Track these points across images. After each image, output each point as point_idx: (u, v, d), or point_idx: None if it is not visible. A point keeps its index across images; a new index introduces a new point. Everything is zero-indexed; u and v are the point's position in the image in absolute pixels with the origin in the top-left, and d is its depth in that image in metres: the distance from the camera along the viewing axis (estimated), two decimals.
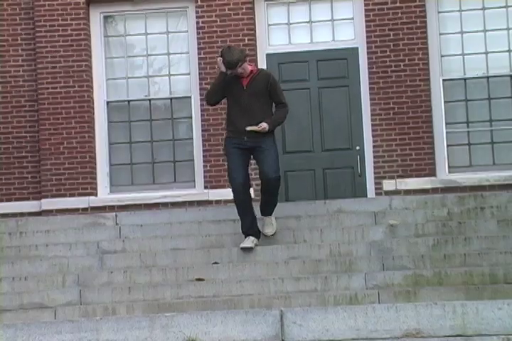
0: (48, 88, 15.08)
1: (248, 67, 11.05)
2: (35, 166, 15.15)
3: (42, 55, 15.14)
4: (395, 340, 5.37)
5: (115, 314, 8.31)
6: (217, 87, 11.14)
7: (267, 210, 10.87)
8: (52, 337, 5.64)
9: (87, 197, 14.86)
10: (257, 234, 10.44)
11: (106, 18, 15.49)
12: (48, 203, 14.79)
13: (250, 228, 10.40)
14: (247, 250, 9.90)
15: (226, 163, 11.20)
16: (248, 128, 10.72)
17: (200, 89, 15.07)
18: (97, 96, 15.23)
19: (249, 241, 10.13)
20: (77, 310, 8.51)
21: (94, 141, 15.14)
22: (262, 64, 15.13)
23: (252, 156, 11.09)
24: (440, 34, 14.99)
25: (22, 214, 13.72)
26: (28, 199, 15.02)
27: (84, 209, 14.40)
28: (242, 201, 10.62)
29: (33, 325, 6.01)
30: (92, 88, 15.18)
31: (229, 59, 10.78)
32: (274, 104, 11.25)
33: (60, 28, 15.22)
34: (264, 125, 10.81)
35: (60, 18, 15.21)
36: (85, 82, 15.06)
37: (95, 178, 15.14)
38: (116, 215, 11.16)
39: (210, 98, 11.34)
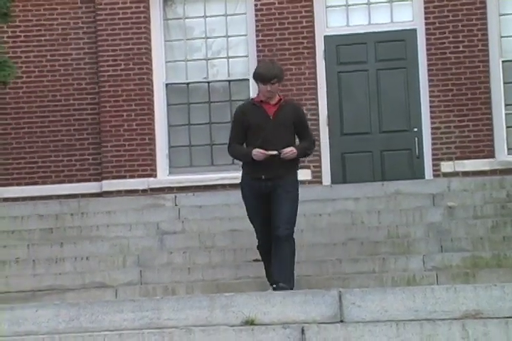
0: (108, 71, 15.16)
1: (277, 92, 9.28)
2: (96, 148, 15.26)
3: (102, 38, 15.22)
4: (454, 321, 5.35)
5: (175, 294, 8.37)
6: (236, 135, 9.31)
7: (279, 273, 8.49)
8: (114, 315, 5.69)
9: (146, 179, 14.95)
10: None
11: (165, 1, 15.53)
12: (108, 184, 14.91)
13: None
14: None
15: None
16: (270, 153, 8.89)
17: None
18: (157, 79, 15.29)
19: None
20: (137, 290, 8.58)
21: (153, 123, 15.22)
22: (320, 45, 15.12)
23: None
24: (500, 15, 14.88)
25: (83, 196, 13.84)
26: (89, 180, 15.14)
27: (144, 191, 14.49)
28: (266, 252, 8.92)
29: (96, 304, 6.07)
30: (151, 71, 15.24)
31: (264, 70, 9.16)
32: (299, 139, 9.38)
33: (121, 12, 15.28)
34: (292, 149, 9.03)
35: (120, 1, 15.27)
36: (145, 64, 15.13)
37: (155, 160, 15.22)
38: (175, 196, 11.22)
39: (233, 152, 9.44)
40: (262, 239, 8.96)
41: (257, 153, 8.89)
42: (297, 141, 9.43)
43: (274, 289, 8.06)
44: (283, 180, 8.96)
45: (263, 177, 8.96)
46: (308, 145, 9.35)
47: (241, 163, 9.52)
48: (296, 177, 9.21)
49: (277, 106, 9.18)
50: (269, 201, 9.00)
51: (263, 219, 8.94)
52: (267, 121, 9.09)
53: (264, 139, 9.02)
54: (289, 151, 8.97)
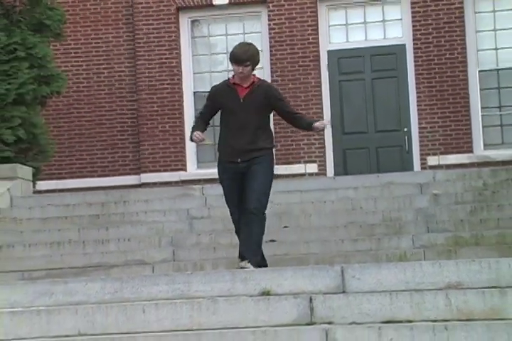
0: (145, 81, 15.21)
1: (250, 76, 7.74)
2: (135, 146, 15.30)
3: (140, 54, 15.27)
4: (439, 291, 5.34)
5: (202, 269, 8.36)
6: (203, 112, 8.03)
7: (247, 249, 7.55)
8: (151, 288, 5.70)
9: (178, 172, 14.98)
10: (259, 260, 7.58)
11: (193, 22, 15.56)
12: (146, 177, 14.96)
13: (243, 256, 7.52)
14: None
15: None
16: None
17: (272, 81, 15.04)
18: (186, 88, 15.31)
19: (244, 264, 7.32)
20: (171, 266, 8.57)
21: (183, 125, 15.22)
22: (324, 59, 15.12)
23: None
24: (476, 31, 14.87)
25: (125, 187, 13.84)
26: (129, 174, 15.18)
27: (176, 183, 14.51)
28: (240, 230, 7.83)
29: (136, 278, 6.08)
30: (181, 81, 15.27)
31: (239, 51, 7.63)
32: (286, 117, 8.00)
33: (155, 31, 15.31)
34: (322, 122, 7.88)
35: (154, 23, 15.30)
36: (176, 75, 15.14)
37: (185, 156, 15.24)
38: (202, 187, 11.19)
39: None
40: (238, 216, 7.74)
41: (195, 137, 7.68)
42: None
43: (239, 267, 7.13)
44: (258, 159, 7.67)
45: (239, 160, 7.67)
46: (305, 118, 8.26)
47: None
48: (272, 156, 7.89)
49: (249, 88, 7.72)
50: (244, 179, 7.77)
51: (239, 201, 7.72)
52: (237, 104, 7.68)
53: (235, 122, 7.71)
54: (322, 124, 7.76)
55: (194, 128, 7.82)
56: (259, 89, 7.74)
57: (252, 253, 7.50)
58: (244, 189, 7.67)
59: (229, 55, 7.75)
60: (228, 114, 7.73)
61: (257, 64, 7.78)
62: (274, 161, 7.97)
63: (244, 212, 7.63)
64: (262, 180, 7.65)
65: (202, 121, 7.90)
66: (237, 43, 7.96)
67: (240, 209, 7.72)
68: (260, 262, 7.60)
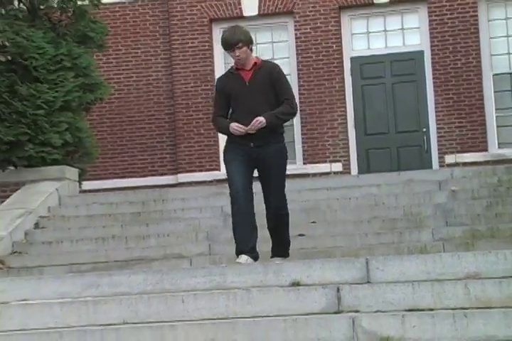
0: (181, 88, 15.26)
1: (251, 57, 7.04)
2: (172, 149, 15.35)
3: (176, 63, 15.32)
4: (458, 281, 5.31)
5: (235, 262, 8.37)
6: (219, 107, 7.21)
7: (276, 251, 7.38)
8: (189, 280, 5.71)
9: (211, 172, 15.01)
10: (254, 252, 7.05)
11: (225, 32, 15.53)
12: (182, 177, 15.00)
13: (247, 243, 7.02)
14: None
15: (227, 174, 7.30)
16: (241, 133, 6.89)
17: (299, 87, 15.04)
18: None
19: (245, 258, 6.83)
20: (207, 259, 8.57)
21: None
22: (347, 65, 15.10)
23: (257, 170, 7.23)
24: (490, 38, 14.82)
25: (163, 186, 13.89)
26: (167, 174, 15.23)
27: (210, 182, 14.52)
28: (241, 208, 7.06)
29: (175, 271, 6.09)
30: (214, 87, 15.27)
31: (227, 37, 6.95)
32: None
33: (190, 41, 15.36)
34: (258, 119, 6.85)
35: (189, 33, 15.34)
36: (209, 82, 15.15)
37: (218, 158, 15.25)
38: None
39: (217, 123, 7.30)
40: (237, 184, 7.01)
41: (235, 129, 6.90)
42: None
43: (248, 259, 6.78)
44: (272, 148, 7.02)
45: (252, 144, 6.96)
46: (283, 109, 7.02)
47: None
48: (283, 144, 7.23)
49: (252, 70, 7.02)
50: (254, 165, 7.09)
51: (244, 183, 7.00)
52: (244, 88, 6.98)
53: (243, 107, 6.96)
54: (255, 122, 6.84)
55: (226, 123, 7.05)
56: (263, 69, 7.05)
57: (282, 251, 7.37)
58: (263, 187, 7.15)
59: (221, 44, 7.11)
60: (236, 100, 7.02)
61: (250, 43, 7.05)
62: (287, 152, 7.28)
63: (267, 213, 7.23)
64: (277, 175, 7.12)
65: (223, 118, 7.16)
66: (223, 31, 7.22)
67: (246, 195, 6.99)
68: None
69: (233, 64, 7.15)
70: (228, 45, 6.95)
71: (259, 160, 7.02)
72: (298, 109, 7.28)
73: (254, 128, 6.84)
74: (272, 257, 7.28)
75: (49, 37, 11.83)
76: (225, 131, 7.08)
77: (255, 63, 7.05)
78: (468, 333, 4.86)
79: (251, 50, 7.04)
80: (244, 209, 7.04)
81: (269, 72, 7.05)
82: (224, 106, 7.15)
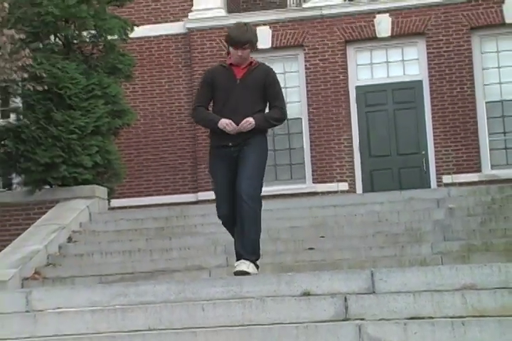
0: None
1: (249, 57, 6.33)
2: (193, 169, 15.36)
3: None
4: (456, 291, 5.28)
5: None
6: (203, 98, 6.40)
7: (242, 248, 6.32)
8: (209, 289, 5.68)
9: None
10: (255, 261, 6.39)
11: None
12: (202, 195, 14.98)
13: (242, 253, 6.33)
14: (242, 274, 6.16)
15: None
16: (231, 131, 6.14)
17: (308, 113, 15.07)
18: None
19: (245, 265, 6.24)
20: (225, 271, 8.53)
21: None
22: (353, 93, 15.12)
23: None
24: (483, 69, 14.82)
25: (184, 203, 13.90)
26: (188, 192, 15.25)
27: None
28: (228, 229, 6.60)
29: (196, 281, 6.06)
30: None
31: (237, 33, 6.18)
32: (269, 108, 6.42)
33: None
34: (249, 120, 6.14)
35: (208, 65, 15.36)
36: None
37: None
38: None
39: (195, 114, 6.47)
40: (222, 210, 6.37)
41: (226, 126, 6.13)
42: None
43: (236, 273, 6.18)
44: (250, 141, 6.24)
45: (230, 144, 6.21)
46: (274, 114, 6.29)
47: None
48: (264, 138, 6.39)
49: (246, 69, 6.27)
50: (236, 165, 6.31)
51: (229, 190, 6.27)
52: (234, 85, 6.21)
53: (228, 104, 6.19)
54: (245, 123, 6.12)
55: (211, 116, 6.29)
56: (257, 70, 6.30)
57: (250, 252, 6.33)
58: (237, 177, 6.22)
59: (225, 37, 6.37)
60: (223, 96, 6.22)
61: (255, 45, 6.32)
62: (267, 144, 6.42)
63: (237, 200, 6.20)
64: (253, 163, 6.20)
65: (205, 109, 6.40)
66: (232, 26, 6.43)
67: (232, 213, 6.29)
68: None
69: (228, 58, 6.38)
70: (236, 44, 6.17)
71: (239, 157, 6.25)
72: (286, 115, 6.48)
73: (242, 128, 6.11)
74: (237, 260, 6.35)
75: (81, 68, 11.89)
76: (209, 124, 6.33)
77: (250, 62, 6.32)
78: (466, 340, 4.82)
79: (252, 51, 6.32)
80: (230, 230, 6.51)
81: (264, 74, 6.29)
82: (207, 99, 6.36)
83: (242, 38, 6.16)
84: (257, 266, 6.38)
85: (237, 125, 6.14)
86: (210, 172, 6.49)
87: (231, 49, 6.25)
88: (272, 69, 6.46)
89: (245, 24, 6.33)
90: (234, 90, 6.20)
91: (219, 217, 6.47)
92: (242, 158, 6.22)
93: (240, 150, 6.23)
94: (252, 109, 6.21)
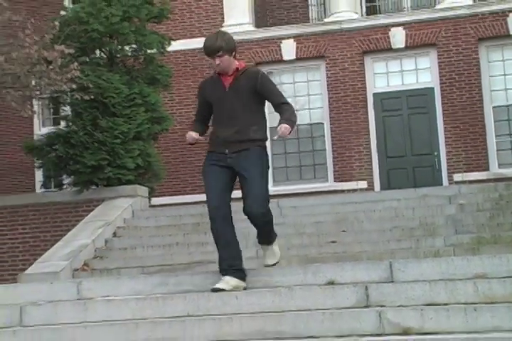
0: None
1: (233, 63, 5.62)
2: None
3: None
4: (468, 280, 5.24)
5: (280, 265, 8.31)
6: (198, 112, 5.96)
7: (263, 240, 6.10)
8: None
9: None
10: (239, 273, 5.64)
11: (268, 74, 15.55)
12: (234, 193, 14.94)
13: (229, 265, 5.64)
14: (218, 291, 5.51)
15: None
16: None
17: (330, 118, 15.04)
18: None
19: (223, 283, 5.54)
20: (255, 262, 8.50)
21: None
22: (370, 99, 15.08)
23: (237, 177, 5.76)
24: (490, 76, 14.73)
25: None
26: None
27: None
28: (218, 231, 5.74)
29: None
30: None
31: (209, 43, 5.55)
32: (274, 108, 5.71)
33: None
34: (283, 126, 5.42)
35: None
36: None
37: None
38: (278, 201, 11.18)
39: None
40: (213, 202, 5.64)
41: (188, 136, 5.70)
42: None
43: (216, 289, 5.50)
44: (248, 154, 5.56)
45: (227, 151, 5.59)
46: (289, 113, 5.59)
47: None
48: (263, 148, 5.68)
49: (233, 76, 5.63)
50: (232, 177, 5.69)
51: (222, 184, 5.63)
52: (223, 94, 5.62)
53: (223, 113, 5.62)
54: (282, 130, 5.42)
55: (190, 129, 5.89)
56: (244, 76, 5.64)
57: (269, 239, 5.97)
58: (242, 192, 5.65)
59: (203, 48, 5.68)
60: (216, 106, 5.67)
61: (233, 50, 5.59)
62: (267, 153, 5.74)
63: (249, 218, 5.75)
64: (258, 179, 5.58)
65: (199, 122, 5.89)
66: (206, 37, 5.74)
67: (222, 207, 5.65)
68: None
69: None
70: (208, 53, 5.57)
71: (237, 166, 5.59)
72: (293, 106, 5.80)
73: (283, 136, 5.45)
74: (259, 243, 6.14)
75: (124, 79, 11.95)
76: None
77: (237, 69, 5.65)
78: (478, 324, 4.78)
79: (234, 57, 5.62)
80: (220, 234, 5.74)
81: (253, 78, 5.60)
82: (202, 112, 5.85)
83: (212, 47, 5.52)
84: (275, 240, 6.00)
85: (236, 131, 5.55)
86: (203, 174, 5.74)
87: (210, 59, 5.62)
88: (259, 70, 5.80)
89: (217, 32, 5.69)
90: (225, 99, 5.61)
91: (209, 214, 5.64)
92: (244, 177, 5.57)
93: (236, 160, 5.57)
94: (248, 114, 5.59)
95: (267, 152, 5.72)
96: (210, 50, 5.53)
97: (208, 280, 5.87)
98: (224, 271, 5.64)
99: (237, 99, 5.58)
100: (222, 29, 15.48)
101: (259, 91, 5.58)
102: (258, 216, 5.68)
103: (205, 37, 5.68)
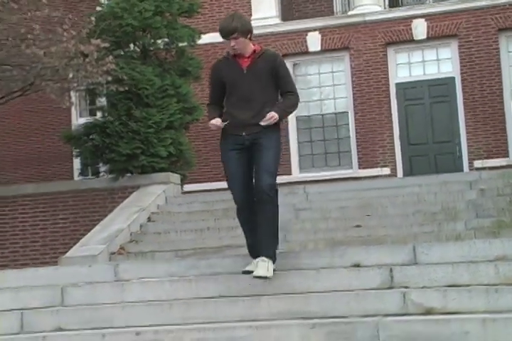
0: None
1: (249, 46, 5.35)
2: None
3: None
4: (489, 262, 5.19)
5: (306, 248, 8.31)
6: (212, 95, 5.60)
7: (260, 245, 5.38)
8: None
9: (286, 176, 14.97)
10: (269, 255, 5.34)
11: (294, 65, 15.51)
12: None
13: (257, 249, 5.41)
14: (248, 273, 5.35)
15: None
16: (263, 123, 5.27)
17: (354, 107, 14.96)
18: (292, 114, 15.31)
19: (253, 266, 5.32)
20: (283, 246, 8.48)
21: (288, 141, 15.21)
22: (393, 89, 14.96)
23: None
24: (510, 65, 14.56)
25: None
26: None
27: (284, 184, 14.49)
28: (246, 220, 5.54)
29: None
30: None
31: (225, 24, 5.31)
32: (280, 94, 5.49)
33: None
34: (272, 114, 5.24)
35: None
36: None
37: (290, 164, 15.23)
38: (304, 186, 11.16)
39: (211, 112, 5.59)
40: (239, 197, 5.43)
41: (212, 125, 5.42)
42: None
43: (247, 272, 5.31)
44: (265, 136, 5.33)
45: (243, 133, 5.35)
46: (289, 103, 5.39)
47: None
48: (279, 134, 5.46)
49: (251, 58, 5.34)
50: (249, 155, 5.42)
51: (244, 183, 5.41)
52: (241, 76, 5.31)
53: (239, 95, 5.31)
54: (270, 118, 5.25)
55: (210, 116, 5.52)
56: (263, 57, 5.34)
57: (270, 243, 5.40)
58: (254, 168, 5.38)
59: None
60: (232, 87, 5.34)
61: (249, 32, 5.30)
62: (281, 136, 5.50)
63: (256, 192, 5.32)
64: (271, 157, 5.32)
65: (215, 106, 5.56)
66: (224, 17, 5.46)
67: (248, 195, 5.36)
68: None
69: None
70: (224, 34, 5.27)
71: (252, 146, 5.36)
72: (299, 98, 5.57)
73: (267, 124, 5.26)
74: (255, 257, 5.43)
75: (157, 71, 11.97)
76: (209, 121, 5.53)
77: (254, 51, 5.35)
78: (499, 305, 4.74)
79: (250, 39, 5.32)
80: (247, 223, 5.51)
81: (271, 61, 5.33)
82: (217, 94, 5.50)
83: (227, 28, 5.23)
84: (274, 261, 5.39)
85: (253, 114, 5.28)
86: (223, 161, 5.54)
87: (225, 41, 5.31)
88: (278, 54, 5.54)
89: (233, 14, 5.42)
90: (243, 81, 5.28)
91: (236, 205, 5.47)
92: (259, 151, 5.31)
93: (254, 141, 5.33)
94: (265, 96, 5.30)
95: (281, 134, 5.50)
96: (225, 32, 5.24)
97: (238, 263, 5.88)
98: (254, 254, 5.46)
99: (255, 81, 5.28)
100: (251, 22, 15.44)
101: (274, 74, 5.31)
102: (265, 188, 5.21)
103: (223, 19, 5.40)
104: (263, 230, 5.29)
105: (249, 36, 5.31)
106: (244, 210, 5.42)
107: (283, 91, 5.38)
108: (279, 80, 5.34)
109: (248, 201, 5.34)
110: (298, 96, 5.47)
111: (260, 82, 5.28)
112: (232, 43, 5.25)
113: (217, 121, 5.36)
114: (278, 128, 5.43)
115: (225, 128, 5.39)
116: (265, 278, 5.21)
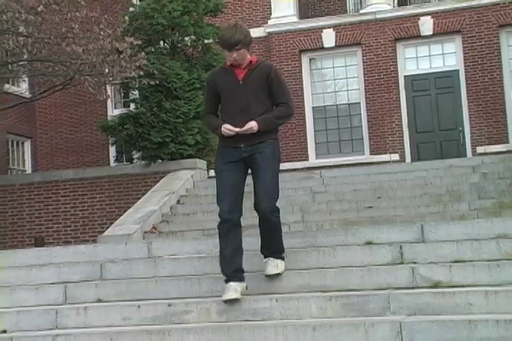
0: None
1: (247, 56, 4.86)
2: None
3: None
4: (491, 240, 5.15)
5: (322, 227, 8.32)
6: (209, 104, 5.03)
7: (268, 251, 5.07)
8: (289, 240, 5.60)
9: (303, 162, 14.96)
10: (240, 276, 4.90)
11: (310, 59, 15.47)
12: (282, 166, 14.92)
13: (234, 271, 4.86)
14: (231, 302, 4.77)
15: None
16: (239, 130, 4.74)
17: (365, 98, 14.88)
18: (307, 104, 15.28)
19: (232, 291, 4.76)
20: (301, 225, 8.54)
21: (305, 129, 15.20)
22: (402, 81, 14.86)
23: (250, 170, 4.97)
24: (509, 58, 14.40)
25: None
26: None
27: (302, 169, 14.49)
28: (226, 232, 4.94)
29: None
30: (303, 99, 15.21)
31: (228, 36, 4.75)
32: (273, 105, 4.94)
33: (285, 66, 15.28)
34: (251, 124, 4.74)
35: (284, 60, 15.29)
36: (299, 96, 15.06)
37: (307, 151, 15.20)
38: (320, 171, 11.14)
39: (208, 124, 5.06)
40: (228, 219, 4.92)
41: (226, 130, 4.77)
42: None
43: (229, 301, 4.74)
44: (262, 150, 4.84)
45: (242, 145, 4.82)
46: (277, 113, 4.87)
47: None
48: (276, 144, 4.96)
49: (247, 69, 4.86)
50: (246, 167, 4.93)
51: (233, 200, 4.92)
52: (237, 87, 4.82)
53: (235, 106, 4.81)
54: (248, 129, 4.73)
55: (215, 123, 4.92)
56: (259, 69, 4.88)
57: (275, 251, 5.05)
58: (254, 188, 4.90)
59: (219, 40, 4.92)
60: (227, 98, 4.86)
61: (250, 43, 4.86)
62: (279, 146, 5.06)
63: (257, 211, 4.91)
64: (270, 176, 4.86)
65: (214, 115, 5.01)
66: (223, 28, 5.00)
67: (234, 211, 4.91)
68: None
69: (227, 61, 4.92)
70: (227, 46, 4.78)
71: (250, 160, 4.87)
72: (294, 110, 5.07)
73: (245, 132, 4.77)
74: (265, 257, 5.09)
75: (185, 66, 11.97)
76: (214, 130, 4.95)
77: (251, 61, 4.89)
78: (500, 278, 4.71)
79: (248, 50, 4.87)
80: (228, 242, 4.94)
81: (266, 72, 4.86)
82: (214, 103, 4.99)
83: (231, 40, 4.74)
84: (283, 258, 5.13)
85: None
86: (216, 172, 4.99)
87: (226, 52, 4.83)
88: (272, 66, 5.02)
89: (235, 25, 4.83)
90: (237, 92, 4.81)
91: (220, 213, 4.94)
92: (257, 169, 4.84)
93: (252, 152, 4.83)
94: (261, 107, 4.82)
95: (279, 145, 5.06)
96: (229, 44, 4.74)
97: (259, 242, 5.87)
98: (227, 276, 4.86)
99: (250, 92, 4.80)
100: (270, 21, 15.37)
101: (269, 85, 4.84)
102: (267, 213, 4.81)
103: (224, 29, 4.89)
104: (268, 236, 4.98)
105: (249, 47, 4.87)
106: (228, 224, 4.86)
107: (276, 103, 4.89)
108: (273, 91, 4.86)
109: (233, 216, 4.85)
110: (291, 108, 4.94)
111: (256, 93, 4.82)
112: (234, 55, 4.78)
113: (229, 126, 4.80)
114: (275, 138, 4.96)
115: (222, 141, 4.91)
116: (278, 275, 4.98)
